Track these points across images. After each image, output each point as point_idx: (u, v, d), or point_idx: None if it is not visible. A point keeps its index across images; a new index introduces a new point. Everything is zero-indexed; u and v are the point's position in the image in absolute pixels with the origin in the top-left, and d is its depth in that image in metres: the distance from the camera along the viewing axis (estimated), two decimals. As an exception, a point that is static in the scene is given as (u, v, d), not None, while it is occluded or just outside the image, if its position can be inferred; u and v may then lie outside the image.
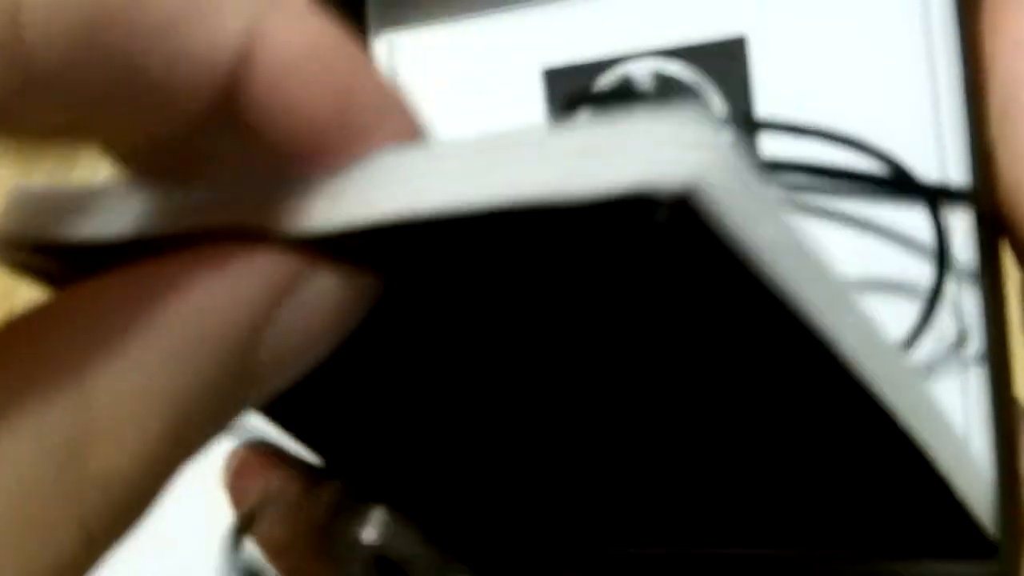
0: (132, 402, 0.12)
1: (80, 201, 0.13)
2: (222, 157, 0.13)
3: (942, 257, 0.19)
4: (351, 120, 0.12)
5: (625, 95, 0.20)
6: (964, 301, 0.20)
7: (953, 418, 0.17)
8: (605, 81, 0.20)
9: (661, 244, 0.11)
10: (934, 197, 0.19)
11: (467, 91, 0.20)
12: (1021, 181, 0.18)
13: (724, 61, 0.20)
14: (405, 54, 0.21)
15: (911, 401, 0.14)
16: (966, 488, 0.16)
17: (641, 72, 0.20)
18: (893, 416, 0.14)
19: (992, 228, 0.19)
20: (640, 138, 0.10)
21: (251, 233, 0.12)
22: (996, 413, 0.18)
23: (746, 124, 0.20)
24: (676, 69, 0.20)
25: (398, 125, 0.13)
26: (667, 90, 0.20)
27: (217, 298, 0.12)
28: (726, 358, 0.14)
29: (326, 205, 0.12)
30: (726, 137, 0.10)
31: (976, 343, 0.20)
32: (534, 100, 0.20)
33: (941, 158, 0.20)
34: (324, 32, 0.12)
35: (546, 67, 0.20)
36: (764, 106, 0.20)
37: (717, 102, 0.20)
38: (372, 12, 0.21)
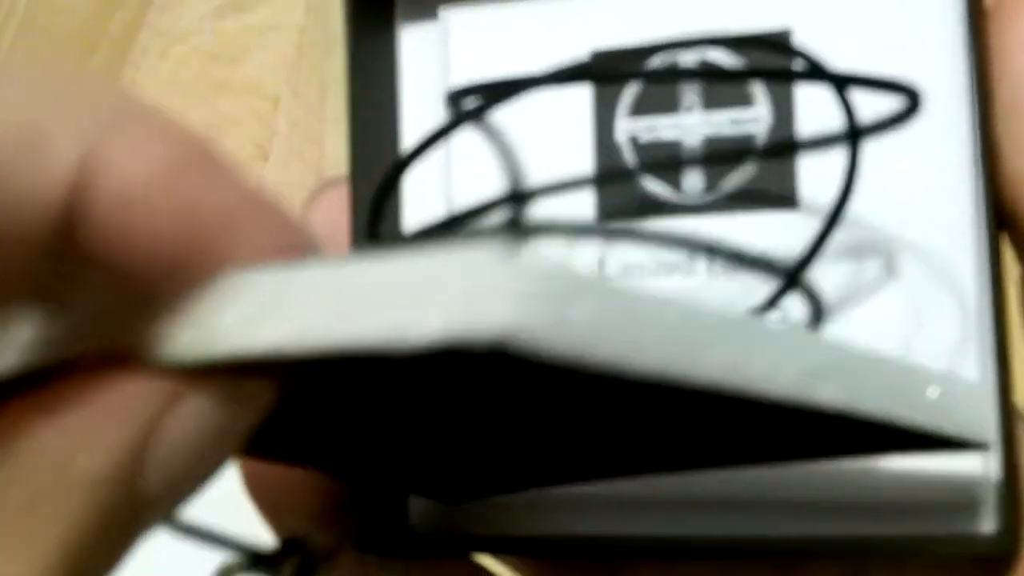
0: (7, 558, 0.11)
1: None
2: (87, 281, 0.12)
3: (854, 149, 0.19)
4: (204, 241, 0.12)
5: (671, 78, 0.21)
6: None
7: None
8: (652, 65, 0.21)
9: (490, 380, 0.11)
10: (842, 84, 0.19)
11: (515, 69, 0.21)
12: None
13: (769, 52, 0.21)
14: (454, 29, 0.21)
15: (852, 382, 0.14)
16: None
17: (687, 58, 0.21)
18: (825, 408, 0.14)
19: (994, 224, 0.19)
20: (453, 283, 0.10)
21: (122, 358, 0.12)
22: (1002, 413, 0.19)
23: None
24: (721, 57, 0.21)
25: (260, 239, 0.12)
26: (713, 78, 0.21)
27: (90, 435, 0.12)
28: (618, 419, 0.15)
29: (185, 332, 0.12)
30: (542, 274, 0.10)
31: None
32: (582, 82, 0.21)
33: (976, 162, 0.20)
34: (170, 152, 0.12)
35: (595, 49, 0.21)
36: (806, 98, 0.20)
37: (759, 91, 0.21)
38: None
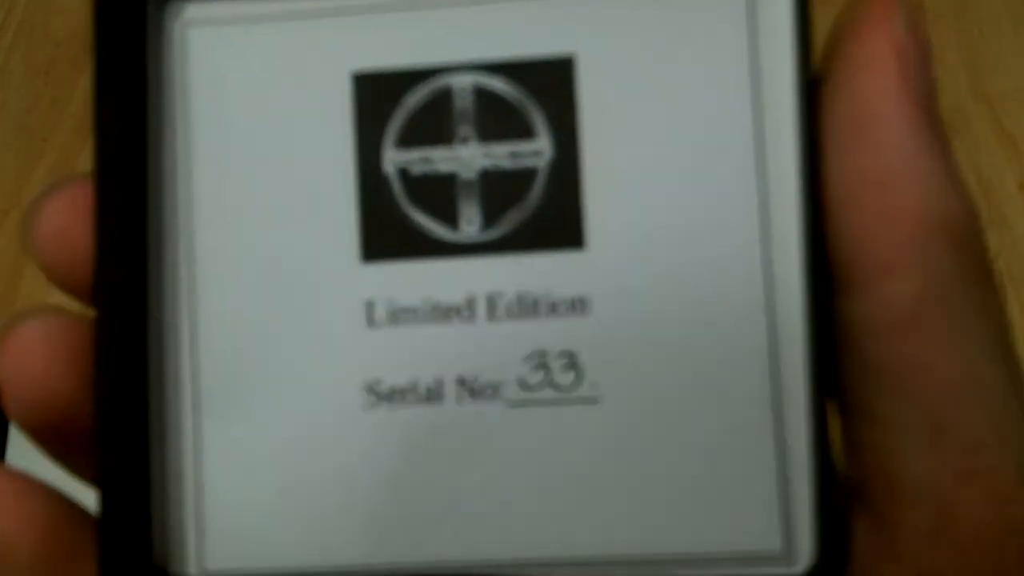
0: None
1: None
2: None
3: None
4: None
5: (441, 108, 0.19)
6: None
7: None
8: (422, 91, 0.19)
9: None
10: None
11: (268, 91, 0.19)
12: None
13: (550, 80, 0.19)
14: (198, 48, 0.19)
15: None
16: None
17: (461, 84, 0.19)
18: None
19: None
20: None
21: None
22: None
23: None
24: (498, 85, 0.19)
25: None
26: (487, 106, 0.19)
27: None
28: None
29: None
30: None
31: None
32: (341, 106, 0.19)
33: (764, 204, 0.18)
34: None
35: (356, 71, 0.19)
36: (591, 129, 0.19)
37: (540, 122, 0.19)
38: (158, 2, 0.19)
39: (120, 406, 0.18)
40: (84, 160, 0.75)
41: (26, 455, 0.61)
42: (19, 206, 0.75)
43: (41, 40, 0.80)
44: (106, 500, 0.18)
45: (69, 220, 0.18)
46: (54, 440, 0.19)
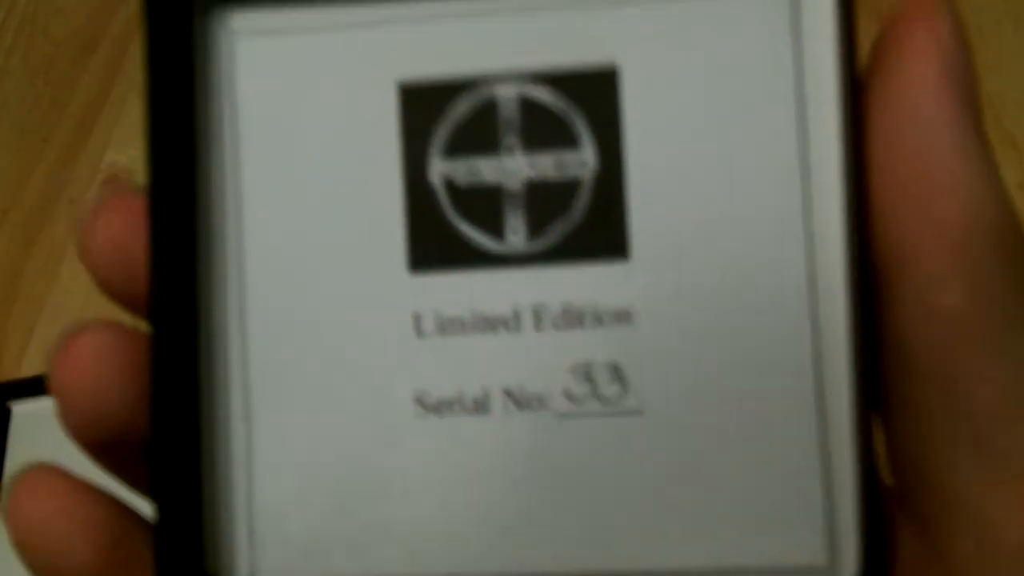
0: None
1: None
2: None
3: None
4: None
5: (487, 118, 0.19)
6: None
7: None
8: (468, 101, 0.19)
9: None
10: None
11: (315, 102, 0.19)
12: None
13: (594, 90, 0.19)
14: (246, 58, 0.19)
15: None
16: None
17: (506, 94, 0.19)
18: None
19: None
20: None
21: None
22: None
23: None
24: (543, 95, 0.19)
25: None
26: (532, 116, 0.19)
27: None
28: None
29: None
30: None
31: None
32: (388, 116, 0.19)
33: (808, 215, 0.18)
34: None
35: (402, 81, 0.19)
36: (634, 141, 0.19)
37: (585, 132, 0.19)
38: (206, 14, 0.19)
39: (173, 418, 0.18)
40: (84, 160, 0.75)
41: (27, 455, 0.61)
42: (19, 206, 0.75)
43: (41, 40, 0.80)
44: (160, 511, 0.18)
45: (125, 232, 0.18)
46: (109, 453, 0.19)
